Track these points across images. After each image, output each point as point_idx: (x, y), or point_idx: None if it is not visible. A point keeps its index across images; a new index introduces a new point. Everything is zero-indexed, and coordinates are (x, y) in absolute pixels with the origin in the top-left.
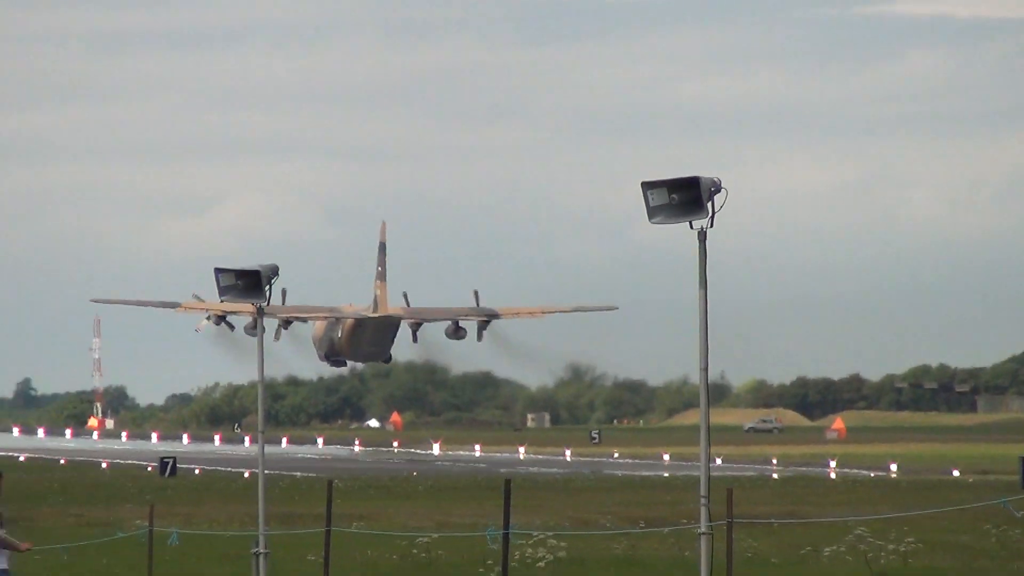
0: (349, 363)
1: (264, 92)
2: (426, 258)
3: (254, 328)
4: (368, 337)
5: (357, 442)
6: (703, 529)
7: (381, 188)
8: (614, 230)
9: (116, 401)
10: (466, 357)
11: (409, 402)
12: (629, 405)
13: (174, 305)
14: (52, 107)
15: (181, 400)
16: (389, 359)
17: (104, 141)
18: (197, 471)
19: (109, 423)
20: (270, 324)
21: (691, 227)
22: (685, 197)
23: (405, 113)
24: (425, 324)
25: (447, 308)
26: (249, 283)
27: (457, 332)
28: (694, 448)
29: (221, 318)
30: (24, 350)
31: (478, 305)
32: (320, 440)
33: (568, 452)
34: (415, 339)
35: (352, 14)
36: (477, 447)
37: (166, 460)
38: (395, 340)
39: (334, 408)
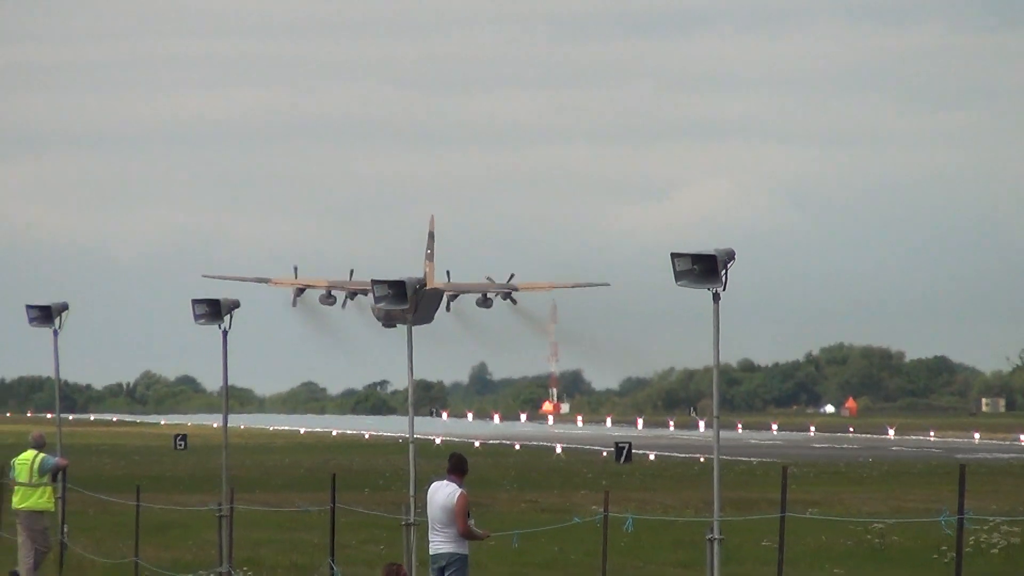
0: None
1: (727, 76)
2: (865, 238)
3: (328, 298)
4: (418, 305)
5: (812, 427)
6: None
7: (841, 173)
8: None
9: (572, 385)
10: (919, 343)
11: (864, 388)
12: None
13: (266, 280)
14: (519, 92)
15: (637, 384)
16: (431, 321)
17: (568, 125)
18: (651, 456)
19: (564, 407)
20: (339, 296)
21: None
22: None
23: (866, 98)
24: (461, 296)
25: (478, 283)
26: (705, 268)
27: (485, 302)
28: None
29: (302, 291)
30: (480, 336)
31: (508, 281)
32: (775, 426)
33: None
34: (448, 308)
35: None
36: (931, 432)
37: (621, 445)
38: (439, 308)
39: (789, 393)
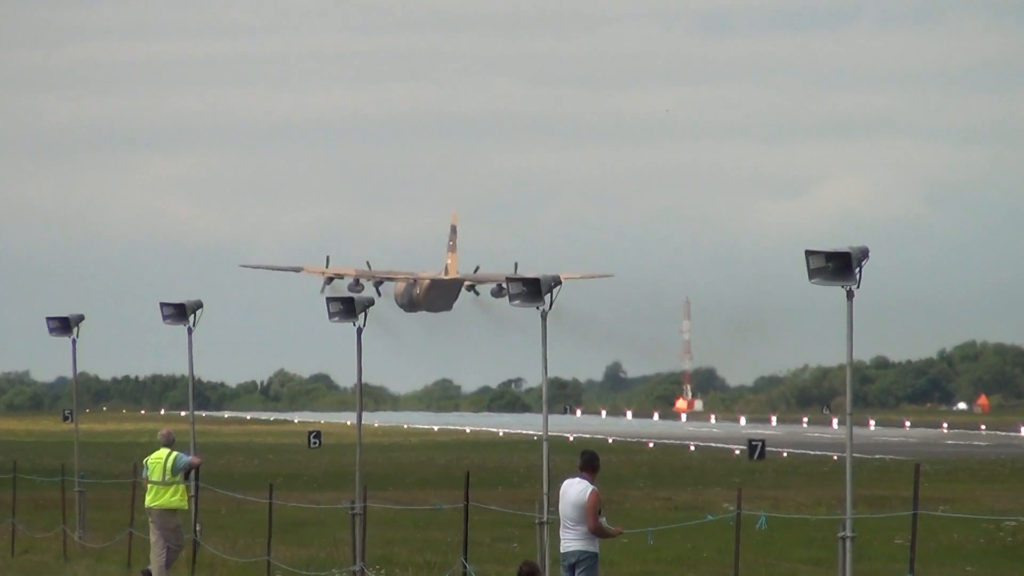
0: None
1: (865, 72)
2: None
3: (356, 286)
4: (439, 293)
5: (944, 425)
6: None
7: (978, 169)
8: None
9: (705, 382)
10: None
11: (997, 385)
12: None
13: (298, 269)
14: (659, 88)
15: (770, 382)
16: (450, 309)
17: (707, 121)
18: (784, 454)
19: (698, 405)
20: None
21: None
22: None
23: (1005, 94)
24: (479, 285)
25: (495, 274)
26: (839, 265)
27: (500, 292)
28: None
29: (330, 280)
30: (614, 333)
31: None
32: (907, 423)
33: None
34: (477, 294)
35: None
36: None
37: (754, 443)
38: (458, 296)
39: (922, 390)
